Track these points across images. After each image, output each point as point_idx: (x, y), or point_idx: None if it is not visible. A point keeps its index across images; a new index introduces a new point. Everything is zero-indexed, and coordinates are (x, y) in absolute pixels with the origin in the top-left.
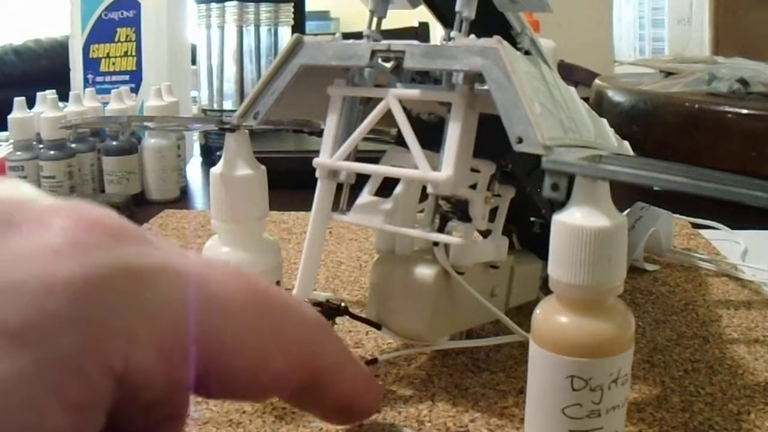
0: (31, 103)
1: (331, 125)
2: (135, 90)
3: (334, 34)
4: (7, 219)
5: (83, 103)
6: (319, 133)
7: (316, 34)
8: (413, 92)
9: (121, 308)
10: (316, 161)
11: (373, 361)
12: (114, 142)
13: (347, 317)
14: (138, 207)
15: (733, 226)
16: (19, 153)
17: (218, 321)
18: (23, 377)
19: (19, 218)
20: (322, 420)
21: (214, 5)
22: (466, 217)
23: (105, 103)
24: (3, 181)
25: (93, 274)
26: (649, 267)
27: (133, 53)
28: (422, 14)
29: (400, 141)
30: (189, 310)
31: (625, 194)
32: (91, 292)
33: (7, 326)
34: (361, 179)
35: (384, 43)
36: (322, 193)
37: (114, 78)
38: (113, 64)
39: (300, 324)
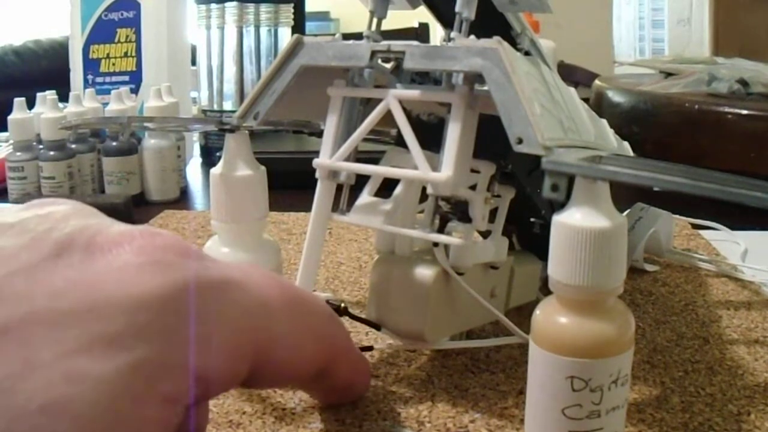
0: (31, 104)
1: (331, 126)
2: (135, 91)
3: (334, 34)
4: (88, 242)
5: (83, 103)
6: (319, 134)
7: (316, 35)
8: (413, 93)
9: (196, 317)
10: (316, 162)
11: (368, 348)
12: (114, 143)
13: (347, 318)
14: (138, 207)
15: (733, 226)
16: (19, 154)
17: (267, 321)
18: (121, 375)
19: (100, 240)
20: (323, 401)
21: (214, 6)
22: (466, 218)
23: (105, 104)
24: (66, 203)
25: (172, 289)
26: (649, 268)
27: (133, 54)
28: (422, 15)
29: (399, 141)
30: (247, 313)
31: (625, 195)
32: (172, 304)
33: (104, 334)
34: (361, 180)
35: (384, 44)
36: (321, 193)
37: (114, 79)
38: (113, 64)
39: (318, 316)
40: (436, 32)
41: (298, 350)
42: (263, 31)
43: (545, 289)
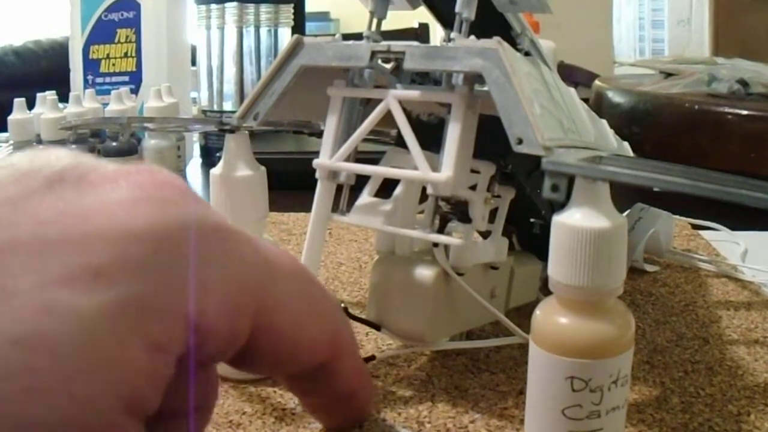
0: (31, 104)
1: (330, 126)
2: (135, 91)
3: (334, 35)
4: (81, 177)
5: (83, 104)
6: (319, 134)
7: (316, 35)
8: (413, 93)
9: (196, 259)
10: (315, 162)
11: (370, 359)
12: (114, 144)
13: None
14: None
15: (733, 227)
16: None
17: (271, 284)
18: (106, 312)
19: (94, 177)
20: (321, 413)
21: (214, 6)
22: (466, 218)
23: (105, 104)
24: (64, 150)
25: (172, 225)
26: (649, 268)
27: (133, 54)
28: (422, 15)
29: (399, 142)
30: (252, 269)
31: (624, 195)
32: (169, 240)
33: (90, 267)
34: (361, 180)
35: (384, 44)
36: (321, 194)
37: (114, 79)
38: (113, 65)
39: (326, 302)
40: (436, 32)
41: (301, 329)
42: (263, 31)
43: (545, 290)
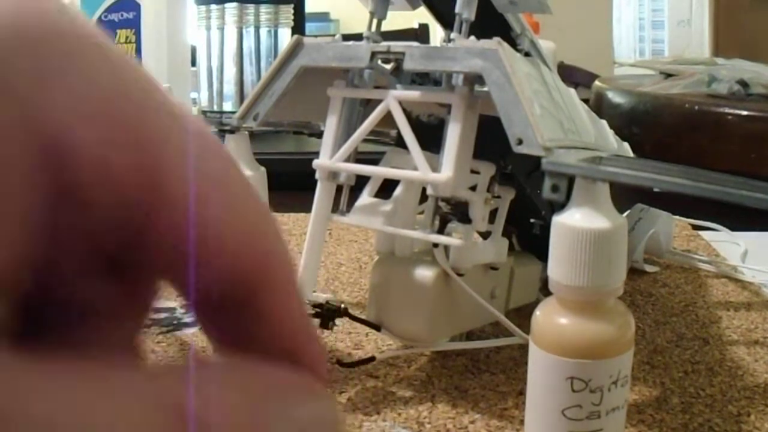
0: None
1: (330, 127)
2: None
3: (334, 35)
4: None
5: None
6: (319, 135)
7: (316, 36)
8: (413, 94)
9: (59, 61)
10: (315, 163)
11: (370, 360)
12: None
13: (347, 318)
14: None
15: (733, 227)
16: None
17: (170, 129)
18: None
19: None
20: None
21: (213, 7)
22: (465, 219)
23: None
24: None
25: (27, 15)
26: (649, 268)
27: (133, 55)
28: (422, 15)
29: (399, 142)
30: (134, 91)
31: (625, 196)
32: (18, 37)
33: None
34: (361, 180)
35: (384, 45)
36: (321, 194)
37: None
38: None
39: (257, 203)
40: (436, 33)
41: (216, 217)
42: (263, 32)
43: (545, 290)
